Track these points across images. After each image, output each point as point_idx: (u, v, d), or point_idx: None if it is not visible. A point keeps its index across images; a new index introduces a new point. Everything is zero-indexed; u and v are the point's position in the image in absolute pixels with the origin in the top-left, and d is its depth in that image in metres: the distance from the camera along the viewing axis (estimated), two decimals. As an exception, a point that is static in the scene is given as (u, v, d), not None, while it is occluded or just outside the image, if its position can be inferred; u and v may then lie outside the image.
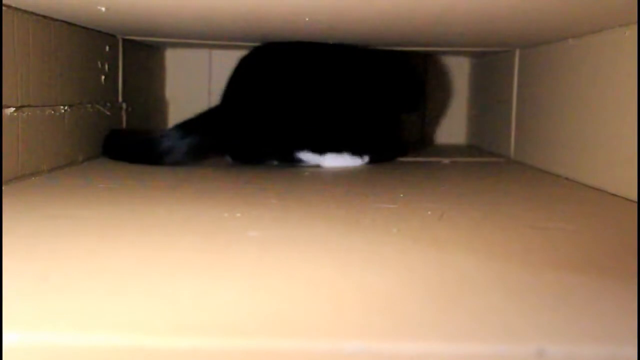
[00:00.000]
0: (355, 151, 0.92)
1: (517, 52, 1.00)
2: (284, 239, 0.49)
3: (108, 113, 0.96)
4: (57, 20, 0.78)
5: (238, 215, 0.56)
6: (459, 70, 1.30)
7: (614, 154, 0.69)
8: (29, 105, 0.71)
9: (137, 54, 1.10)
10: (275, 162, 0.92)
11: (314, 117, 0.90)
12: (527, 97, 0.96)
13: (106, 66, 0.95)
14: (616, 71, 0.69)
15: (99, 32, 0.92)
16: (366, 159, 0.93)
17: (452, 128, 1.30)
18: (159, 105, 1.27)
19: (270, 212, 0.58)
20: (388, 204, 0.62)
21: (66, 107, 0.81)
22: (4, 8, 0.65)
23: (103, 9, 0.69)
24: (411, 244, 0.47)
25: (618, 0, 0.57)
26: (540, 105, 0.90)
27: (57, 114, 0.79)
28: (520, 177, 0.85)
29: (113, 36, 0.98)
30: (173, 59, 1.29)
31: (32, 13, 0.72)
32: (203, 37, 0.96)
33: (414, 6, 0.64)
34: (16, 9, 0.68)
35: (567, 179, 0.79)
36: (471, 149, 1.20)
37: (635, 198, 0.63)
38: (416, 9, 0.65)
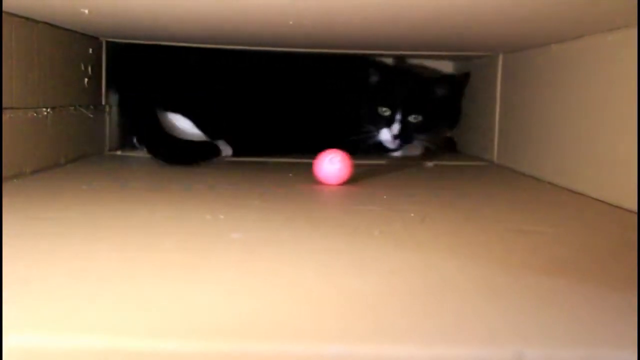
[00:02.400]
0: None
1: (501, 57, 1.00)
2: (266, 241, 0.49)
3: (91, 115, 0.95)
4: (40, 22, 0.77)
5: (221, 217, 0.55)
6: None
7: (596, 158, 0.69)
8: (11, 107, 0.70)
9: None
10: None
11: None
12: (510, 101, 0.97)
13: (89, 68, 0.95)
14: (599, 76, 0.70)
15: (82, 34, 0.92)
16: None
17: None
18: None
19: (253, 214, 0.58)
20: (371, 206, 0.62)
21: (49, 110, 0.81)
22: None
23: (86, 11, 0.69)
24: (393, 246, 0.48)
25: (601, 6, 0.57)
26: (524, 109, 0.91)
27: (40, 116, 0.78)
28: (503, 181, 0.86)
29: (96, 38, 0.98)
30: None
31: (15, 15, 0.71)
32: (186, 39, 0.96)
33: (399, 11, 0.64)
34: (-2, 10, 0.67)
35: (549, 183, 0.80)
36: (455, 153, 1.20)
37: (615, 202, 0.64)
38: (401, 14, 0.66)
